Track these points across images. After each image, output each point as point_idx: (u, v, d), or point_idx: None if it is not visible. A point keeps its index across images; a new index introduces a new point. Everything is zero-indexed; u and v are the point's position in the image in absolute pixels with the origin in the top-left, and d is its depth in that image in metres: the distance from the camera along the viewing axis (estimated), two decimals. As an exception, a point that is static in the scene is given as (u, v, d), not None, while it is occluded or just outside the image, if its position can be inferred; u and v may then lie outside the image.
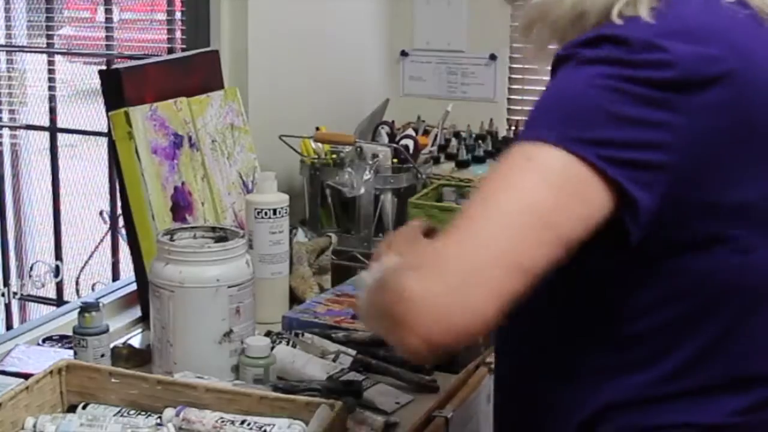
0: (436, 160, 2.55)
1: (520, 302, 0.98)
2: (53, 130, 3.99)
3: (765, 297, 1.12)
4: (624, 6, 1.08)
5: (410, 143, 2.39)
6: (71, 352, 1.64)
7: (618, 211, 1.01)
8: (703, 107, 1.03)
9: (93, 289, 3.86)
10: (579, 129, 1.00)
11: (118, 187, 1.98)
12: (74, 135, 4.57)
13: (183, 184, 1.94)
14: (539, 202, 0.97)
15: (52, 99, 4.08)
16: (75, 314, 1.66)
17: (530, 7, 1.18)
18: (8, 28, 4.32)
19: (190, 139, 1.98)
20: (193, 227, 1.71)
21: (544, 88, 1.10)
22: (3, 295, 3.54)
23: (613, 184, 0.99)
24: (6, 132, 4.26)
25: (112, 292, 2.00)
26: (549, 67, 1.14)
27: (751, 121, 1.07)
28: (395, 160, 2.28)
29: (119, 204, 2.43)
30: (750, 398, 1.12)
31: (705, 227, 1.07)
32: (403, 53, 3.03)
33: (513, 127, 2.89)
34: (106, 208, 3.97)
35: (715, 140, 1.04)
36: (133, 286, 1.95)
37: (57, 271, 3.87)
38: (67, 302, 3.45)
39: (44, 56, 4.24)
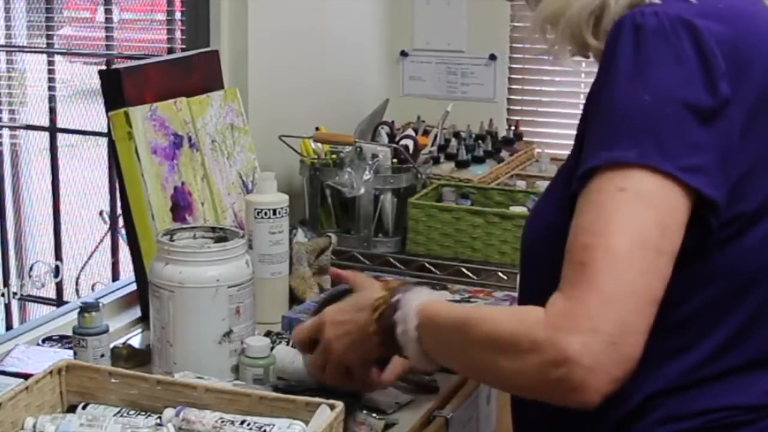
0: (436, 160, 2.55)
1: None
2: (53, 130, 4.00)
3: None
4: None
5: (410, 143, 2.39)
6: (71, 352, 1.64)
7: (698, 212, 1.05)
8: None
9: (93, 289, 3.87)
10: (655, 144, 1.04)
11: (117, 187, 1.98)
12: (74, 135, 4.57)
13: (183, 184, 1.94)
14: (649, 234, 1.02)
15: (51, 99, 4.08)
16: (75, 314, 1.66)
17: (542, 6, 1.19)
18: (8, 28, 4.32)
19: (189, 139, 1.98)
20: (192, 227, 1.71)
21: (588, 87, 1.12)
22: (3, 295, 3.54)
23: (693, 190, 1.04)
24: (6, 132, 4.26)
25: (112, 292, 2.00)
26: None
27: None
28: (395, 160, 2.28)
29: (119, 204, 2.43)
30: None
31: (739, 209, 1.09)
32: (403, 53, 3.03)
33: (513, 127, 2.89)
34: (106, 208, 3.98)
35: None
36: (133, 287, 1.95)
37: (57, 271, 3.87)
38: (66, 302, 3.45)
39: (44, 56, 4.24)
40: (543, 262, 1.15)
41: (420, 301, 1.19)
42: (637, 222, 1.02)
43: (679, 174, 1.03)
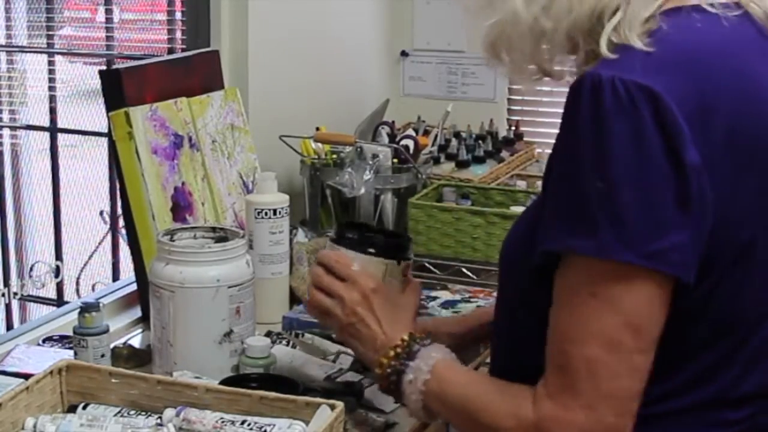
0: (437, 161, 2.55)
1: (520, 328, 1.14)
2: (53, 130, 3.99)
3: (756, 326, 1.14)
4: (612, 33, 1.08)
5: (410, 143, 2.39)
6: (71, 352, 1.64)
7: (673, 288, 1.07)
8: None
9: (93, 290, 3.86)
10: (615, 233, 1.03)
11: (118, 187, 1.98)
12: (74, 135, 4.57)
13: (183, 184, 1.94)
14: (621, 338, 1.05)
15: (52, 99, 4.08)
16: (75, 314, 1.66)
17: (489, 27, 1.17)
18: (8, 28, 4.32)
19: (190, 139, 1.98)
20: (193, 227, 1.71)
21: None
22: (3, 295, 3.53)
23: (667, 276, 1.05)
24: (6, 132, 4.26)
25: (113, 292, 2.00)
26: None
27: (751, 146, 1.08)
28: (395, 161, 2.28)
29: (119, 204, 2.43)
30: (741, 413, 1.15)
31: (716, 260, 1.08)
32: (404, 53, 3.03)
33: (513, 127, 2.89)
34: (107, 208, 3.97)
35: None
36: (134, 287, 1.95)
37: (57, 272, 3.87)
38: (67, 302, 3.44)
39: (44, 56, 4.24)
40: (509, 279, 1.21)
41: (436, 360, 1.23)
42: (607, 329, 1.05)
43: (644, 263, 1.03)
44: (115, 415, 1.36)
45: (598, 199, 1.03)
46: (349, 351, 1.64)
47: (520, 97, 2.99)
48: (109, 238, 3.96)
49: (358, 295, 1.34)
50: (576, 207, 1.06)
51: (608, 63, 1.06)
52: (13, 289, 3.86)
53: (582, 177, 1.05)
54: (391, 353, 1.26)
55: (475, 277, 2.11)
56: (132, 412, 1.36)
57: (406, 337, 1.27)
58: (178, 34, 3.37)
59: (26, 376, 1.44)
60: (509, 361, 1.25)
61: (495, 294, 1.91)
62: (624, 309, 1.05)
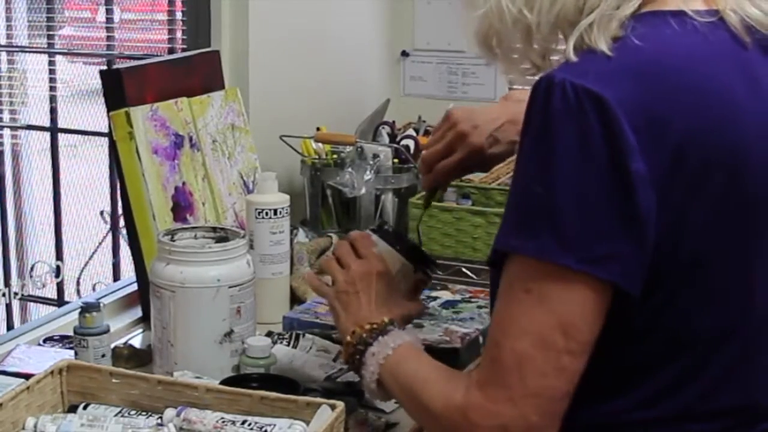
0: (437, 160, 2.55)
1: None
2: (54, 130, 3.99)
3: (724, 340, 1.13)
4: (585, 32, 1.07)
5: (411, 143, 2.39)
6: (72, 352, 1.64)
7: (617, 294, 1.07)
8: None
9: (94, 290, 3.87)
10: (555, 236, 1.04)
11: (118, 187, 1.98)
12: (75, 135, 4.57)
13: (184, 184, 1.94)
14: (550, 337, 1.06)
15: (52, 99, 4.08)
16: (76, 314, 1.66)
17: (479, 20, 1.17)
18: (9, 28, 4.32)
19: (190, 139, 1.98)
20: (193, 227, 1.71)
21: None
22: (4, 295, 3.54)
23: (605, 283, 1.05)
24: (7, 132, 4.26)
25: (113, 292, 2.00)
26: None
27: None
28: (396, 160, 2.28)
29: (120, 204, 2.43)
30: (713, 426, 1.14)
31: (667, 274, 1.08)
32: (404, 53, 3.02)
33: (514, 127, 2.89)
34: (107, 208, 3.97)
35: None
36: (134, 287, 1.95)
37: (58, 272, 3.87)
38: (67, 302, 3.45)
39: (45, 56, 4.24)
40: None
41: (403, 341, 1.27)
42: (537, 326, 1.06)
43: (582, 267, 1.03)
44: (116, 415, 1.36)
45: (539, 203, 1.04)
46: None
47: (520, 97, 2.99)
48: (109, 238, 3.96)
49: (365, 270, 1.39)
50: (520, 208, 1.08)
51: (566, 66, 1.06)
52: (14, 289, 3.86)
53: (526, 179, 1.07)
54: (367, 326, 1.31)
55: (475, 277, 2.11)
56: (132, 412, 1.36)
57: (386, 319, 1.32)
58: (179, 34, 3.36)
59: (27, 376, 1.44)
60: None
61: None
62: (556, 309, 1.05)
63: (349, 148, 2.27)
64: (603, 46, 1.06)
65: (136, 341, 1.80)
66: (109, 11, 4.19)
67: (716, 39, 1.09)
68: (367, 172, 2.22)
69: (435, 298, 1.88)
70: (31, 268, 4.04)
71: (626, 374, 1.12)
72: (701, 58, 1.08)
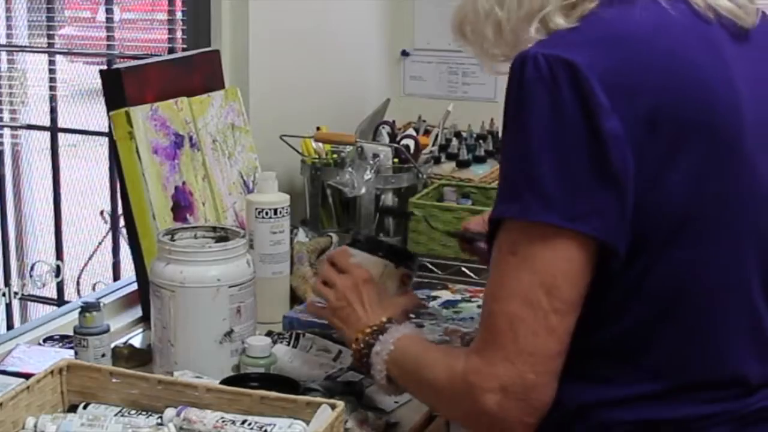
0: (437, 160, 2.55)
1: None
2: (54, 130, 3.99)
3: (717, 299, 1.15)
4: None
5: (411, 143, 2.38)
6: (72, 351, 1.64)
7: (601, 251, 1.10)
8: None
9: (94, 289, 3.86)
10: (537, 197, 1.09)
11: (118, 186, 1.98)
12: (75, 135, 4.57)
13: (184, 183, 1.94)
14: (535, 297, 1.10)
15: (52, 99, 4.08)
16: (76, 314, 1.67)
17: (455, 10, 1.26)
18: (9, 28, 4.31)
19: (191, 138, 1.98)
20: (193, 227, 1.71)
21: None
22: (4, 295, 3.54)
23: (588, 235, 1.09)
24: (7, 132, 4.25)
25: (113, 291, 2.00)
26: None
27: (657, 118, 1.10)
28: (396, 160, 2.28)
29: (120, 204, 2.43)
30: (714, 394, 1.16)
31: (650, 234, 1.11)
32: (404, 53, 3.02)
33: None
34: (107, 207, 3.97)
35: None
36: (134, 286, 1.95)
37: (58, 271, 3.87)
38: (67, 302, 3.45)
39: (45, 56, 4.24)
40: None
41: (402, 334, 1.32)
42: (524, 287, 1.10)
43: (564, 224, 1.08)
44: (116, 414, 1.36)
45: (519, 167, 1.10)
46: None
47: (520, 97, 2.99)
48: (109, 237, 3.96)
49: (351, 282, 1.45)
50: (505, 177, 1.14)
51: (538, 42, 1.13)
52: (14, 288, 3.86)
53: (508, 147, 1.13)
54: (368, 330, 1.36)
55: (475, 276, 2.11)
56: (133, 411, 1.36)
57: (384, 319, 1.38)
58: (179, 34, 3.36)
59: (27, 376, 1.44)
60: None
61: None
62: (539, 269, 1.10)
63: (349, 148, 2.27)
64: (571, 23, 1.13)
65: (136, 341, 1.80)
66: (109, 11, 4.19)
67: (680, 13, 1.16)
68: (367, 172, 2.22)
69: (435, 298, 1.88)
70: (31, 268, 4.04)
71: (621, 346, 1.15)
72: (667, 28, 1.14)
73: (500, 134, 1.18)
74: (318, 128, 2.34)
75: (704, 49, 1.15)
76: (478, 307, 1.84)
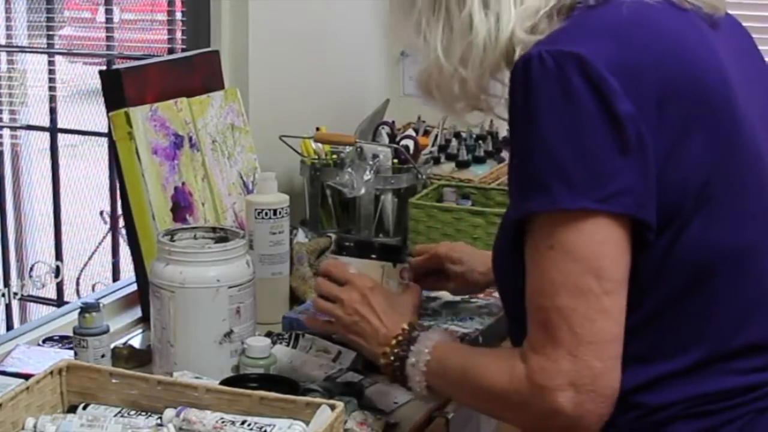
0: (437, 161, 2.55)
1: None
2: (53, 130, 3.99)
3: (742, 265, 1.17)
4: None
5: (410, 143, 2.38)
6: (71, 352, 1.64)
7: (637, 227, 1.12)
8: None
9: (93, 290, 3.87)
10: (564, 186, 1.09)
11: (118, 187, 1.98)
12: (74, 135, 4.57)
13: (183, 184, 1.94)
14: (584, 283, 1.10)
15: (52, 99, 4.08)
16: (75, 314, 1.66)
17: (419, 72, 1.26)
18: (8, 28, 4.32)
19: (190, 139, 1.98)
20: (193, 227, 1.71)
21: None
22: (3, 295, 3.54)
23: (622, 215, 1.10)
24: (6, 132, 4.26)
25: (113, 292, 2.00)
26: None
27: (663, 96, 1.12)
28: (395, 161, 2.28)
29: (119, 204, 2.43)
30: (752, 362, 1.17)
31: (676, 205, 1.13)
32: (404, 53, 3.02)
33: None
34: (107, 208, 3.97)
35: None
36: (134, 287, 1.95)
37: (57, 272, 3.87)
38: (67, 302, 3.45)
39: (45, 56, 4.24)
40: (502, 284, 1.29)
41: (434, 341, 1.30)
42: (570, 277, 1.11)
43: (596, 206, 1.08)
44: (116, 415, 1.36)
45: (541, 162, 1.10)
46: (350, 351, 1.65)
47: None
48: (109, 238, 3.96)
49: (357, 294, 1.41)
50: (526, 175, 1.13)
51: (536, 43, 1.14)
52: (13, 289, 3.86)
53: (523, 146, 1.13)
54: (393, 342, 1.33)
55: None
56: (132, 412, 1.36)
57: (406, 326, 1.35)
58: (178, 34, 3.37)
59: (26, 377, 1.44)
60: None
61: (495, 294, 1.91)
62: (582, 255, 1.10)
63: (348, 148, 2.27)
64: (553, 27, 1.15)
65: (136, 341, 1.80)
66: (108, 11, 4.19)
67: (660, 5, 1.18)
68: (367, 172, 2.22)
69: (435, 299, 1.88)
70: (31, 268, 4.04)
71: (653, 324, 1.15)
72: (656, 15, 1.17)
73: (509, 137, 1.19)
74: (317, 129, 2.33)
75: (690, 30, 1.19)
76: (478, 308, 1.84)
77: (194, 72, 2.06)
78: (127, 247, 1.93)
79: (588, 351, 1.10)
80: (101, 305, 1.64)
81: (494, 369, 1.19)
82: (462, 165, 2.54)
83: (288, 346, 1.69)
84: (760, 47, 1.36)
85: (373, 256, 1.50)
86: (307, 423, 1.28)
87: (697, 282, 1.15)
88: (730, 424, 1.16)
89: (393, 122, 2.51)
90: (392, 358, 1.33)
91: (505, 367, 1.17)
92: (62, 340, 1.76)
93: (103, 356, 1.62)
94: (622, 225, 1.10)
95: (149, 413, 1.36)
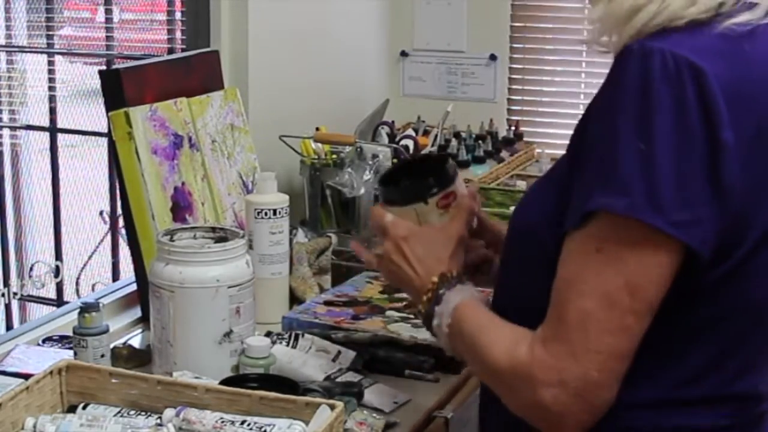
0: (436, 161, 2.55)
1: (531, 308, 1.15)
2: (53, 130, 4.00)
3: (761, 317, 1.16)
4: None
5: (410, 143, 2.39)
6: (71, 352, 1.64)
7: (686, 260, 1.09)
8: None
9: (93, 290, 3.87)
10: (647, 195, 1.06)
11: (118, 187, 1.98)
12: (74, 135, 4.57)
13: (183, 184, 1.94)
14: (617, 296, 1.07)
15: (52, 99, 4.08)
16: (75, 314, 1.66)
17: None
18: (8, 28, 4.32)
19: (190, 139, 1.98)
20: (193, 227, 1.71)
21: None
22: (3, 295, 3.54)
23: (682, 243, 1.07)
24: (6, 132, 4.26)
25: (112, 292, 2.00)
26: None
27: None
28: (395, 161, 2.28)
29: (119, 204, 2.43)
30: (744, 407, 1.18)
31: (733, 245, 1.10)
32: (403, 53, 3.03)
33: (513, 128, 2.89)
34: (106, 208, 3.98)
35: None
36: (133, 287, 1.95)
37: (57, 272, 3.87)
38: (67, 302, 3.45)
39: (44, 56, 4.24)
40: (532, 247, 1.22)
41: (456, 304, 1.27)
42: (606, 285, 1.08)
43: (668, 230, 1.05)
44: (115, 415, 1.36)
45: (638, 161, 1.06)
46: (350, 351, 1.65)
47: (520, 98, 2.99)
48: (109, 238, 3.96)
49: (391, 245, 1.38)
50: (613, 166, 1.08)
51: (656, 38, 1.09)
52: (13, 289, 3.87)
53: (623, 137, 1.07)
54: (424, 298, 1.31)
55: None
56: (132, 412, 1.36)
57: (435, 280, 1.31)
58: (178, 34, 3.37)
59: (26, 376, 1.44)
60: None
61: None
62: (628, 269, 1.07)
63: (348, 148, 2.27)
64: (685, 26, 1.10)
65: (136, 341, 1.80)
66: (108, 11, 4.19)
67: None
68: (367, 172, 2.22)
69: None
70: (31, 268, 4.04)
71: (673, 349, 1.14)
72: None
73: (590, 116, 1.12)
74: (317, 129, 2.34)
75: None
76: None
77: (194, 72, 2.06)
78: (127, 247, 1.94)
79: (591, 359, 1.08)
80: (101, 305, 1.64)
81: (500, 346, 1.17)
82: (462, 165, 2.55)
83: (288, 346, 1.69)
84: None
85: (404, 196, 1.39)
86: (307, 423, 1.29)
87: (721, 320, 1.14)
88: None
89: (393, 122, 2.51)
90: (424, 317, 1.31)
91: (510, 345, 1.15)
92: (62, 340, 1.76)
93: (102, 356, 1.62)
94: (679, 253, 1.07)
95: (149, 413, 1.36)
